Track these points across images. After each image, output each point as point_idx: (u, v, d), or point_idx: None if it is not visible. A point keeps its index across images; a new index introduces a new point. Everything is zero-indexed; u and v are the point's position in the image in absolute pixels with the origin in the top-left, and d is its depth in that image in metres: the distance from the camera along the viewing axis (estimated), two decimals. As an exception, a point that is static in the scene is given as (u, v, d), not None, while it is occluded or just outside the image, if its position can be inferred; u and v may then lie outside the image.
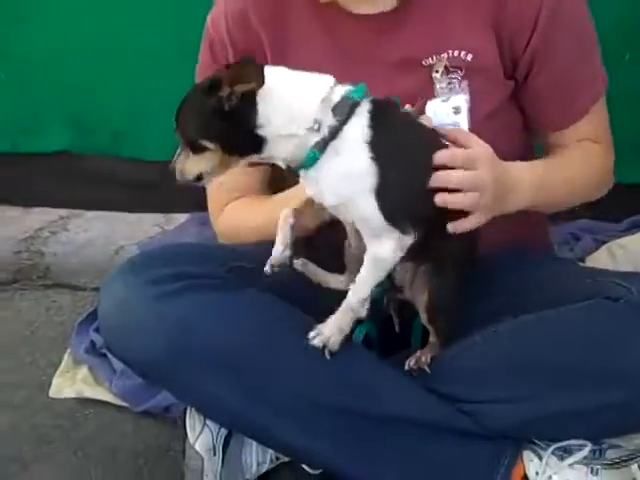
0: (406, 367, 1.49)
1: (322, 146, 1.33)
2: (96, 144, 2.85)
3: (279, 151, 1.37)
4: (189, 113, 1.39)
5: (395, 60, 1.59)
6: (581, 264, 2.10)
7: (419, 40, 1.57)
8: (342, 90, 1.36)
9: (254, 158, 1.40)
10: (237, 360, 1.44)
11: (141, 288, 1.45)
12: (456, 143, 1.42)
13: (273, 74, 1.34)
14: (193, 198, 1.92)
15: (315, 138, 1.34)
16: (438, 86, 1.58)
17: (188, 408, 1.62)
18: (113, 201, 2.94)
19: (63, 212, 3.14)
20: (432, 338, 1.54)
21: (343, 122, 1.33)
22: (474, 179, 1.38)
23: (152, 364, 1.46)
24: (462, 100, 1.55)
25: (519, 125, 1.70)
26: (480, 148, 1.42)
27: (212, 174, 1.40)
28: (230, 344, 1.44)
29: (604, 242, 2.34)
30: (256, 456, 1.65)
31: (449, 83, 1.57)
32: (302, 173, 1.40)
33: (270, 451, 1.65)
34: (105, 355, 2.06)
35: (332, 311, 1.44)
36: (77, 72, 2.74)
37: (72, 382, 2.06)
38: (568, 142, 1.68)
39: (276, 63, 1.52)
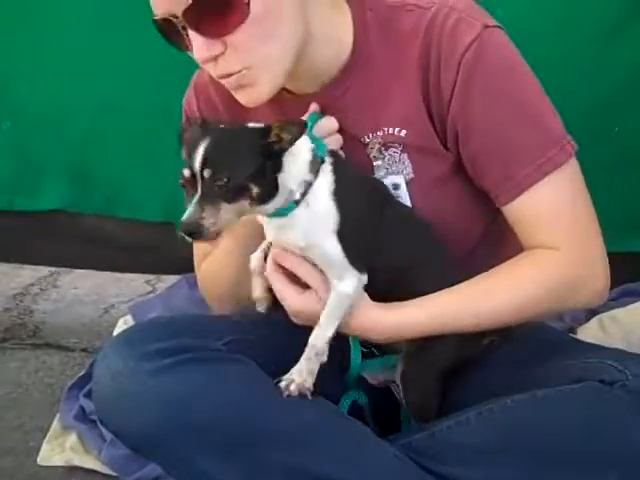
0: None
1: (300, 200, 1.46)
2: (92, 203, 2.85)
3: (276, 202, 1.45)
4: (242, 152, 1.39)
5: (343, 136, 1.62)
6: (572, 336, 2.10)
7: (357, 118, 1.60)
8: (311, 145, 1.49)
9: (258, 209, 1.44)
10: (232, 436, 1.43)
11: (136, 362, 1.45)
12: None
13: None
14: (185, 260, 1.92)
15: (297, 194, 1.46)
16: (375, 163, 1.61)
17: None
18: (105, 260, 2.93)
19: (53, 269, 3.14)
20: (412, 419, 1.60)
21: (314, 179, 1.47)
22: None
23: (144, 439, 1.45)
24: (399, 178, 1.60)
25: (474, 199, 1.62)
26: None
27: (229, 227, 1.39)
28: (225, 420, 1.43)
29: (593, 312, 2.35)
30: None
31: (388, 158, 1.60)
32: (274, 221, 1.49)
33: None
34: (95, 422, 2.04)
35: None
36: (76, 130, 2.74)
37: (61, 449, 2.04)
38: (524, 234, 1.55)
39: None
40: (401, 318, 1.53)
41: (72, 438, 2.07)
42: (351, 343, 1.61)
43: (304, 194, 1.46)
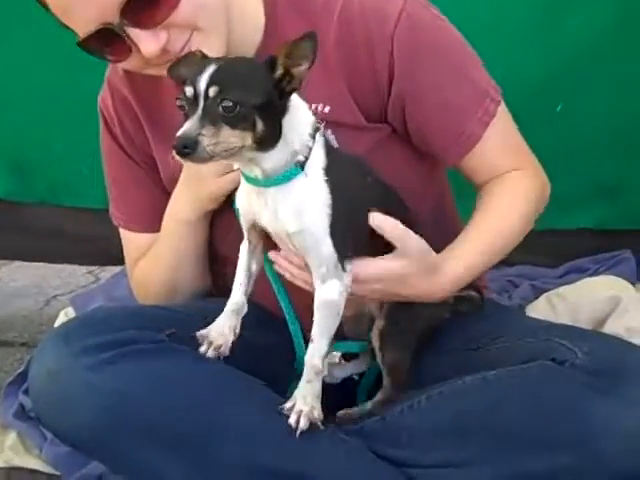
0: (341, 413, 1.52)
1: (302, 165, 1.36)
2: (33, 193, 2.76)
3: (275, 158, 1.35)
4: (251, 81, 1.30)
5: None
6: (522, 313, 2.10)
7: None
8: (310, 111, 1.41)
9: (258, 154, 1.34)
10: (179, 431, 1.39)
11: (74, 357, 1.40)
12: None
13: None
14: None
15: (300, 156, 1.37)
16: None
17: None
18: (46, 251, 2.84)
19: (-9, 261, 3.05)
20: (385, 381, 1.55)
21: (312, 147, 1.37)
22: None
23: (85, 437, 1.41)
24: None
25: (414, 156, 1.68)
26: (413, 241, 1.46)
27: (232, 157, 1.30)
28: (171, 415, 1.39)
29: (542, 289, 2.36)
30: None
31: None
32: (269, 191, 1.38)
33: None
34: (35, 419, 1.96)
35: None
36: (14, 119, 2.66)
37: (0, 449, 1.96)
38: (487, 173, 1.65)
39: (155, 142, 1.69)
40: (466, 266, 1.56)
41: (12, 437, 1.99)
42: (292, 334, 1.58)
43: (305, 161, 1.37)
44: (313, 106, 1.55)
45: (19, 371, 2.16)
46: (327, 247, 1.38)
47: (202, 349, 1.46)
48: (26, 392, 2.03)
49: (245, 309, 1.51)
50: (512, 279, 2.49)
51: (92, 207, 2.66)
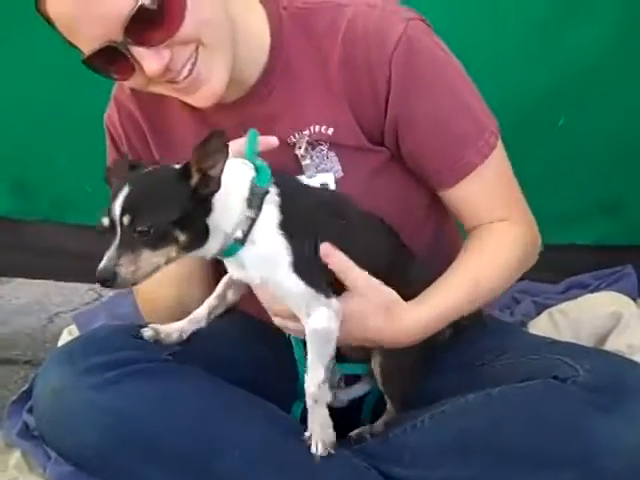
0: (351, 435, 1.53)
1: (242, 240, 1.36)
2: (36, 210, 2.77)
3: (212, 246, 1.36)
4: (165, 199, 1.30)
5: None
6: (524, 330, 2.10)
7: (281, 120, 1.59)
8: (249, 177, 1.38)
9: (192, 253, 1.35)
10: (183, 450, 1.40)
11: (78, 377, 1.41)
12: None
13: None
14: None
15: (238, 232, 1.36)
16: (304, 162, 1.59)
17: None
18: (48, 268, 2.84)
19: (-7, 278, 3.05)
20: (388, 405, 1.57)
21: (257, 214, 1.36)
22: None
23: (86, 454, 1.42)
24: (329, 177, 1.59)
25: (415, 179, 1.66)
26: (358, 275, 1.44)
27: (154, 272, 1.31)
28: (175, 434, 1.40)
29: (543, 305, 2.36)
30: None
31: (316, 157, 1.59)
32: (225, 259, 1.42)
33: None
34: (39, 438, 1.96)
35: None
36: (17, 136, 2.67)
37: (4, 468, 1.96)
38: (476, 211, 1.62)
39: (161, 156, 1.66)
40: (433, 311, 1.51)
41: (16, 456, 1.99)
42: (296, 356, 1.58)
43: (247, 232, 1.37)
44: (317, 128, 1.57)
45: (23, 389, 2.16)
46: (298, 286, 1.38)
47: (143, 330, 1.49)
48: (30, 411, 2.03)
49: (203, 323, 1.53)
50: (514, 295, 2.49)
51: (95, 225, 2.68)
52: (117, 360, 1.43)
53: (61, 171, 2.68)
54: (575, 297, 2.33)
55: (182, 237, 1.30)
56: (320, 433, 1.43)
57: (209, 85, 1.49)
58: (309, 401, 1.43)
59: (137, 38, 1.41)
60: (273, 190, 1.39)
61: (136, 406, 1.40)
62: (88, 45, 1.44)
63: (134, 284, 1.29)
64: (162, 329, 1.50)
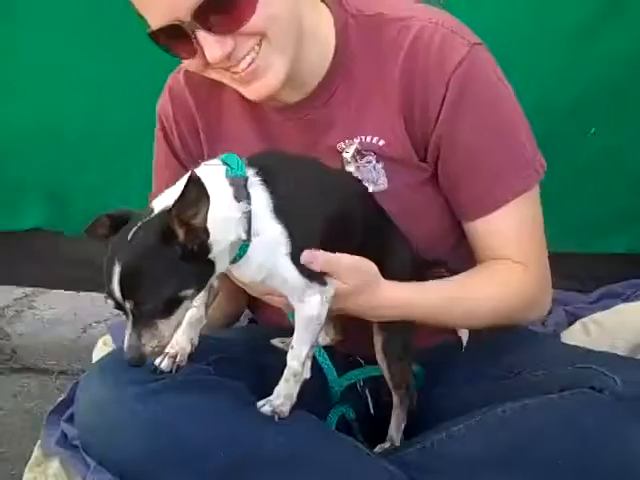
0: (377, 450, 1.55)
1: (248, 235, 1.35)
2: (72, 223, 2.81)
3: (225, 261, 1.35)
4: (156, 274, 1.25)
5: (314, 146, 1.62)
6: (558, 340, 2.09)
7: (336, 126, 1.61)
8: (222, 172, 1.36)
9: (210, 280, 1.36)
10: (223, 461, 1.41)
11: (121, 388, 1.43)
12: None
13: None
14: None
15: (242, 234, 1.34)
16: (347, 169, 1.61)
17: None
18: (82, 280, 2.88)
19: (28, 290, 3.09)
20: (395, 403, 1.59)
21: (249, 204, 1.35)
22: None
23: (131, 466, 1.43)
24: (370, 187, 1.60)
25: (448, 206, 1.67)
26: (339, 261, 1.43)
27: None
28: (215, 445, 1.40)
29: (575, 314, 2.35)
30: None
31: (364, 166, 1.60)
32: (233, 266, 1.40)
33: None
34: (77, 447, 1.98)
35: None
36: (55, 149, 2.71)
37: (44, 477, 1.97)
38: (493, 247, 1.61)
39: (210, 150, 1.66)
40: (414, 294, 1.54)
41: (55, 465, 2.00)
42: (320, 362, 1.61)
43: (249, 226, 1.35)
44: (369, 138, 1.58)
45: (60, 399, 2.18)
46: (294, 276, 1.39)
47: (157, 361, 1.46)
48: (67, 420, 2.05)
49: (204, 321, 1.52)
50: (547, 305, 2.48)
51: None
52: (160, 371, 1.45)
53: (96, 184, 2.72)
54: (607, 307, 2.30)
55: (191, 291, 1.29)
56: (282, 403, 1.44)
57: (265, 79, 1.50)
58: (287, 374, 1.44)
59: (205, 23, 1.42)
60: (250, 172, 1.37)
61: (178, 417, 1.41)
62: (156, 20, 1.45)
63: (162, 352, 1.33)
64: (174, 351, 1.48)
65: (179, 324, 1.32)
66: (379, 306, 1.51)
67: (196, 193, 1.22)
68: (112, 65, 2.50)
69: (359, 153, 1.60)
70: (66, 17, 2.52)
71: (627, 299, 2.38)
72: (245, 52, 1.47)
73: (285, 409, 1.45)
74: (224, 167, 1.37)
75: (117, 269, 1.25)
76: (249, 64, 1.48)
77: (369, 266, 1.48)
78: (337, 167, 1.60)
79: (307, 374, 1.47)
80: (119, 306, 1.29)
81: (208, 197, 1.23)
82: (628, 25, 2.34)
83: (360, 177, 1.61)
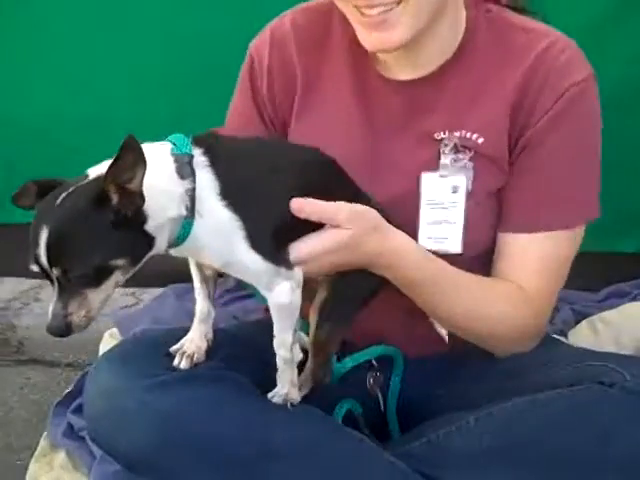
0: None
1: (191, 213, 1.29)
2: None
3: (164, 238, 1.28)
4: (86, 239, 1.19)
5: (413, 129, 1.60)
6: (564, 339, 2.09)
7: (440, 112, 1.59)
8: (167, 149, 1.30)
9: (142, 262, 1.28)
10: (231, 454, 1.41)
11: (131, 379, 1.42)
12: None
13: None
14: (170, 272, 1.89)
15: (182, 210, 1.28)
16: (442, 161, 1.59)
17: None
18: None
19: (35, 282, 3.09)
20: (307, 368, 1.54)
21: (193, 182, 1.29)
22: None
23: (139, 457, 1.42)
24: (462, 180, 1.57)
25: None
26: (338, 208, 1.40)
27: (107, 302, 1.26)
28: (223, 438, 1.40)
29: (582, 313, 2.35)
30: None
31: (455, 161, 1.58)
32: (177, 249, 1.34)
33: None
34: (84, 439, 1.99)
35: None
36: (62, 142, 2.73)
37: (49, 468, 1.99)
38: (514, 267, 1.59)
39: (302, 106, 1.63)
40: (405, 245, 1.49)
41: (61, 456, 2.02)
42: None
43: (192, 204, 1.28)
44: (469, 134, 1.57)
45: (67, 391, 2.19)
46: (256, 264, 1.33)
47: (175, 362, 1.45)
48: (74, 412, 2.07)
49: (213, 313, 1.51)
50: (553, 303, 2.48)
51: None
52: (169, 363, 1.46)
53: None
54: (615, 305, 2.31)
55: (122, 261, 1.22)
56: (289, 391, 1.44)
57: (388, 34, 1.48)
58: (280, 363, 1.43)
59: None
60: (197, 151, 1.31)
61: (187, 409, 1.40)
62: None
63: (89, 323, 1.26)
64: (186, 346, 1.48)
65: (108, 296, 1.25)
66: (401, 246, 1.48)
67: (133, 156, 1.18)
68: (121, 60, 2.50)
69: (456, 147, 1.58)
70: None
71: (635, 298, 2.39)
72: (384, 1, 1.45)
73: (294, 396, 1.45)
74: (170, 145, 1.32)
75: (44, 234, 1.19)
76: (380, 13, 1.46)
77: (371, 210, 1.45)
78: (427, 153, 1.59)
79: (298, 357, 1.46)
80: (45, 273, 1.22)
81: (145, 161, 1.18)
82: (638, 26, 2.34)
83: (448, 171, 1.58)
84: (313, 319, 1.49)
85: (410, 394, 1.69)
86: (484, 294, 1.58)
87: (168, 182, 1.27)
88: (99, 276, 1.21)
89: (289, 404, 1.44)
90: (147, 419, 1.40)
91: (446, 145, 1.58)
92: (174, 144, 1.32)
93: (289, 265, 1.38)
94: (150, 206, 1.24)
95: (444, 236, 1.58)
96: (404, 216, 1.55)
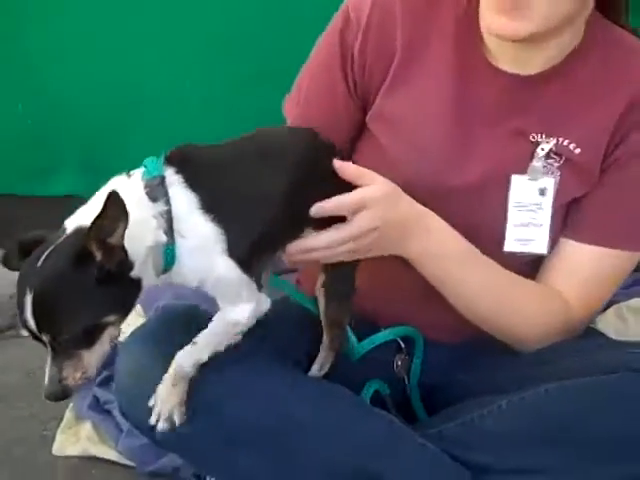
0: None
1: (170, 237, 1.25)
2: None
3: (150, 273, 1.25)
4: (72, 302, 1.16)
5: (506, 124, 1.57)
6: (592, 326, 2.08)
7: (536, 115, 1.55)
8: (139, 177, 1.27)
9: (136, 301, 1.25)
10: (264, 431, 1.42)
11: (161, 356, 1.41)
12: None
13: None
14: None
15: (161, 236, 1.24)
16: (533, 164, 1.56)
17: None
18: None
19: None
20: (325, 343, 1.55)
21: (168, 203, 1.25)
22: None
23: (167, 435, 1.42)
24: (551, 183, 1.55)
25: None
26: (370, 189, 1.41)
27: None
28: (256, 415, 1.42)
29: (611, 301, 2.32)
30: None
31: (544, 166, 1.55)
32: (166, 276, 1.30)
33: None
34: (109, 412, 2.01)
35: None
36: (90, 116, 2.71)
37: (76, 439, 2.01)
38: (562, 276, 1.59)
39: (397, 75, 1.56)
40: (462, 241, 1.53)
41: (87, 427, 2.04)
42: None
43: (169, 227, 1.24)
44: (566, 142, 1.54)
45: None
46: (231, 272, 1.28)
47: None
48: (100, 385, 2.08)
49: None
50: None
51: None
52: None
53: (133, 153, 2.71)
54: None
55: (112, 317, 1.20)
56: (169, 413, 1.37)
57: (518, 23, 1.43)
58: (172, 373, 1.35)
59: None
60: (169, 171, 1.26)
61: (219, 390, 1.41)
62: None
63: (87, 381, 1.22)
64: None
65: (105, 352, 1.21)
66: (424, 212, 1.49)
67: (116, 211, 1.14)
68: (158, 36, 2.49)
69: (549, 152, 1.55)
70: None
71: (662, 286, 2.37)
72: None
73: (182, 414, 1.37)
74: (141, 171, 1.28)
75: (29, 299, 1.15)
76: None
77: (410, 202, 1.47)
78: (518, 151, 1.56)
79: (192, 373, 1.36)
80: (37, 338, 1.19)
81: (127, 215, 1.14)
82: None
83: (536, 176, 1.55)
84: (321, 302, 1.51)
85: (430, 377, 1.69)
86: (513, 288, 1.58)
87: (138, 209, 1.21)
88: (91, 336, 1.18)
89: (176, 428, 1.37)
90: None
91: (542, 149, 1.55)
92: (145, 167, 1.28)
93: (259, 287, 1.33)
94: (129, 247, 1.19)
95: (531, 238, 1.57)
96: (478, 207, 1.55)
